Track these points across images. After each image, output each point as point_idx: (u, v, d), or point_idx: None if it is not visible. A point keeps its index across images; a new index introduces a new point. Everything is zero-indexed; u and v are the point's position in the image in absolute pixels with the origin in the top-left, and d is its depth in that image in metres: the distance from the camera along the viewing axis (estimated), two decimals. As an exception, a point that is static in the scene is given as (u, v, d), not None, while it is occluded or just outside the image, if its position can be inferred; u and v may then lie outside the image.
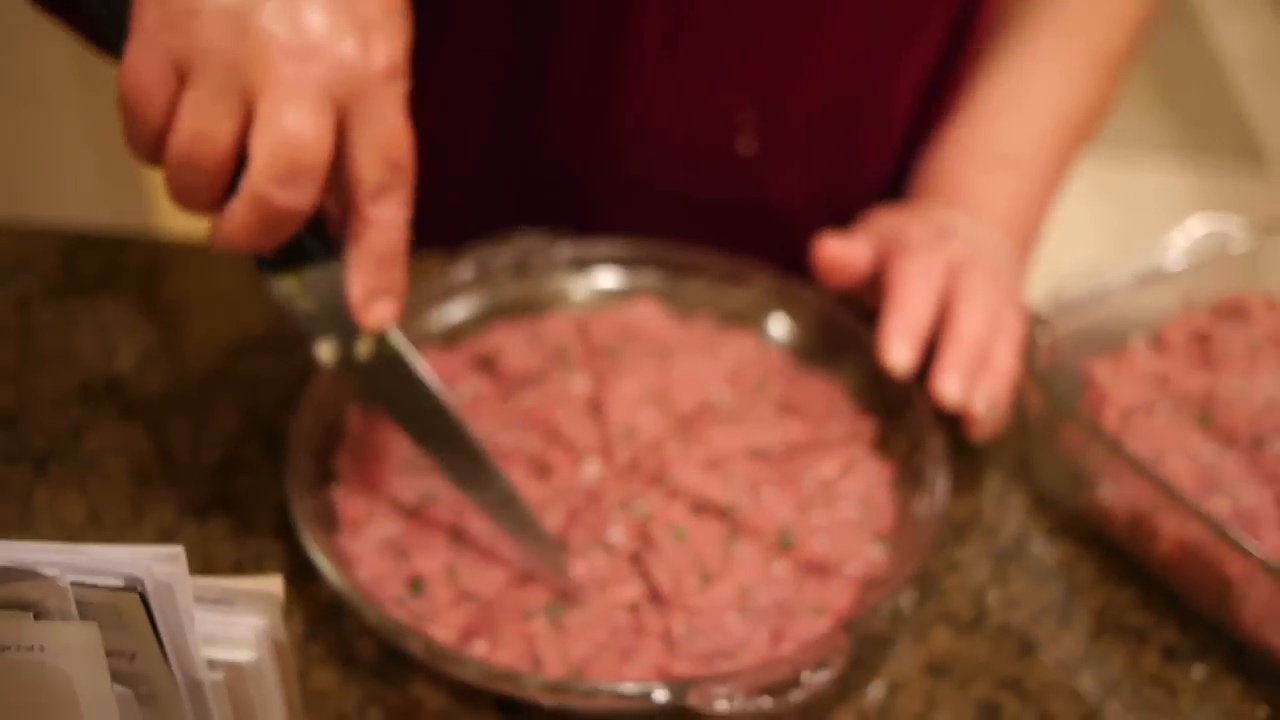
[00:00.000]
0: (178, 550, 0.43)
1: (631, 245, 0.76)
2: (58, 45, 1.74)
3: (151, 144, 0.52)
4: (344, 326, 0.58)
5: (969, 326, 0.67)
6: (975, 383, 0.67)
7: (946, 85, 0.84)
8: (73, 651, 0.42)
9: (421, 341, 0.72)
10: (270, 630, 0.48)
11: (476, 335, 0.74)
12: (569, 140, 0.83)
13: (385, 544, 0.62)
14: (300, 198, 0.51)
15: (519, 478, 0.65)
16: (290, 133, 0.50)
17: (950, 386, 0.66)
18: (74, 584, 0.42)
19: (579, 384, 0.70)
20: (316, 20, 0.51)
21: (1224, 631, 0.64)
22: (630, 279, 0.76)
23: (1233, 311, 0.76)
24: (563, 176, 0.84)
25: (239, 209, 0.52)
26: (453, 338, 0.74)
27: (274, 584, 0.48)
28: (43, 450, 0.69)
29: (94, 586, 0.42)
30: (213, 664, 0.46)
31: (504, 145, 0.83)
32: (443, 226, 0.76)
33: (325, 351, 0.59)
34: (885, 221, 0.75)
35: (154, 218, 1.74)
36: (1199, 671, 0.63)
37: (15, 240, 0.81)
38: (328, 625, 0.62)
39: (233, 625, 0.47)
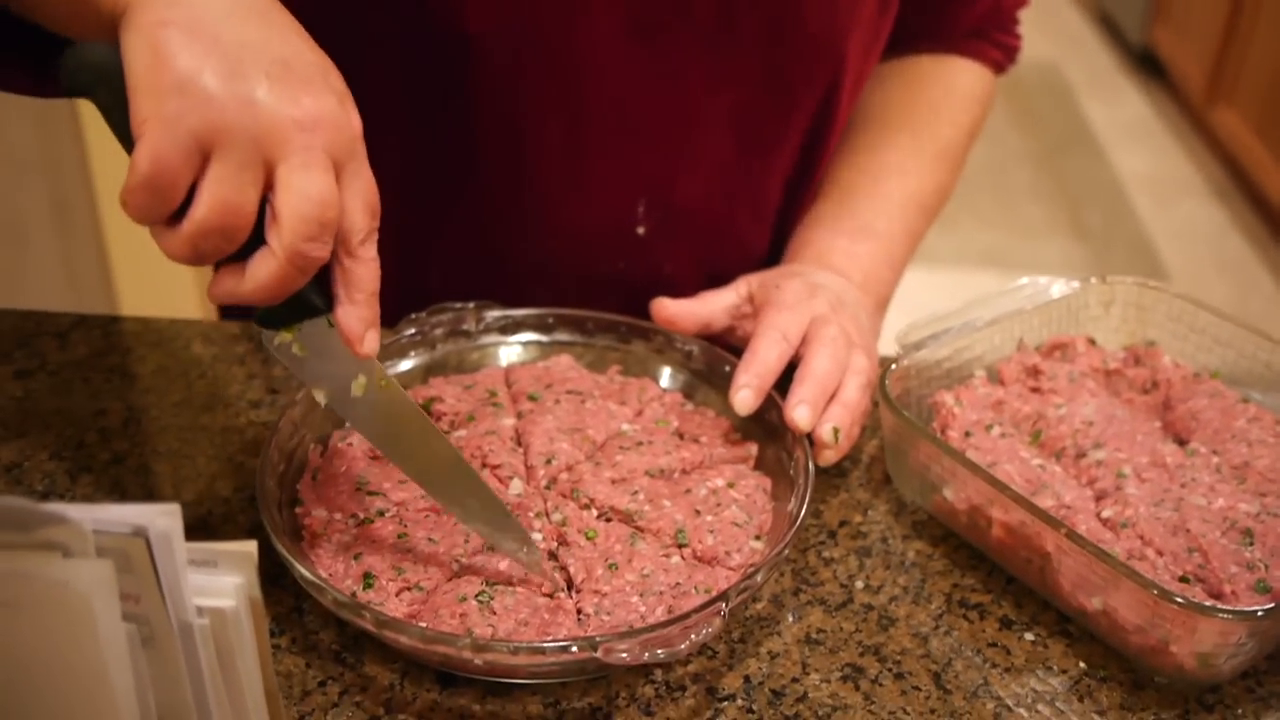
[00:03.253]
0: (175, 507, 0.54)
1: (548, 311, 0.90)
2: (36, 179, 1.87)
3: (168, 214, 0.58)
4: (336, 370, 0.67)
5: (820, 367, 0.80)
6: (823, 413, 0.79)
7: (809, 177, 0.99)
8: (92, 584, 0.53)
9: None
10: (247, 586, 0.59)
11: (418, 388, 0.86)
12: (491, 228, 0.96)
13: (341, 548, 0.73)
14: (326, 249, 0.60)
15: (454, 496, 0.77)
16: (315, 195, 0.58)
17: (801, 415, 0.78)
18: (94, 531, 0.53)
19: (506, 422, 0.82)
20: (311, 96, 0.59)
21: (1050, 603, 0.76)
22: (548, 339, 0.90)
23: (1058, 350, 0.90)
24: (486, 259, 0.97)
25: (275, 266, 0.59)
26: (397, 391, 0.86)
27: (249, 547, 0.59)
28: (43, 491, 0.80)
29: (109, 533, 0.53)
30: (200, 611, 0.57)
31: (432, 231, 0.97)
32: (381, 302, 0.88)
33: (320, 395, 0.68)
34: (767, 278, 0.89)
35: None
36: (1030, 636, 0.74)
37: (18, 322, 0.93)
38: (292, 622, 0.73)
39: (216, 581, 0.58)
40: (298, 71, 0.59)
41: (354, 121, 0.61)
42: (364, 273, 0.63)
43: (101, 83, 0.59)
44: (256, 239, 0.60)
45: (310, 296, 0.64)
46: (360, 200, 0.61)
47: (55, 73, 0.60)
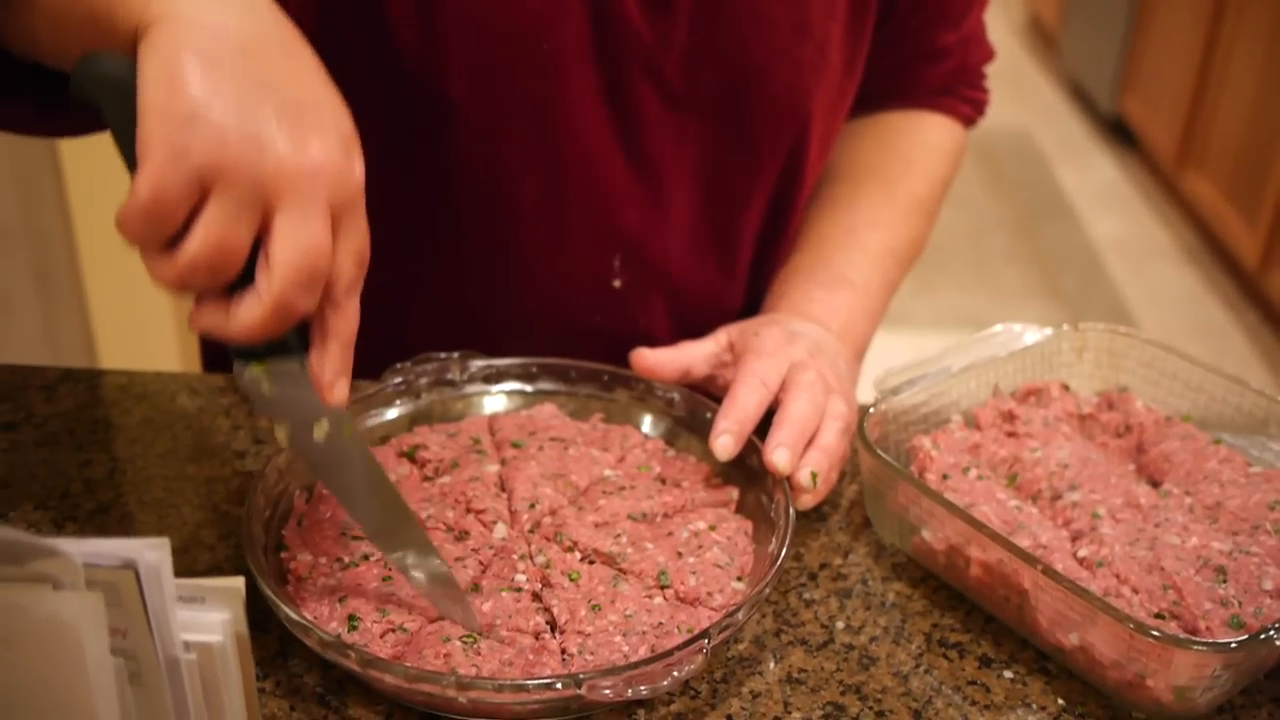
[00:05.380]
0: (164, 541, 0.55)
1: (532, 360, 0.91)
2: (20, 249, 1.88)
3: (163, 241, 0.58)
4: (301, 412, 0.68)
5: (798, 412, 0.81)
6: (802, 457, 0.81)
7: (779, 232, 1.01)
8: (82, 617, 0.53)
9: (355, 441, 0.85)
10: (234, 622, 0.59)
11: (403, 436, 0.87)
12: (470, 283, 0.97)
13: (325, 591, 0.74)
14: (314, 298, 0.60)
15: (438, 541, 0.77)
16: (309, 245, 0.58)
17: (780, 458, 0.79)
18: (84, 564, 0.54)
19: (490, 468, 0.83)
20: (319, 142, 0.59)
21: (1028, 641, 0.77)
22: (532, 388, 0.91)
23: (1033, 395, 0.91)
24: (465, 313, 0.98)
25: (260, 311, 0.59)
26: (382, 439, 0.87)
27: (236, 583, 0.59)
28: (29, 539, 0.80)
29: (99, 565, 0.54)
30: (187, 646, 0.58)
31: (412, 286, 0.98)
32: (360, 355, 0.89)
33: (281, 433, 0.69)
34: (746, 327, 0.90)
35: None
36: (1009, 674, 0.75)
37: (4, 376, 0.93)
38: (277, 666, 0.73)
39: (203, 617, 0.59)
40: (310, 115, 0.59)
41: (357, 172, 0.61)
42: (342, 322, 0.63)
43: (112, 96, 0.59)
44: (245, 274, 0.60)
45: (287, 336, 0.64)
46: (352, 252, 0.62)
47: (55, 107, 0.61)
